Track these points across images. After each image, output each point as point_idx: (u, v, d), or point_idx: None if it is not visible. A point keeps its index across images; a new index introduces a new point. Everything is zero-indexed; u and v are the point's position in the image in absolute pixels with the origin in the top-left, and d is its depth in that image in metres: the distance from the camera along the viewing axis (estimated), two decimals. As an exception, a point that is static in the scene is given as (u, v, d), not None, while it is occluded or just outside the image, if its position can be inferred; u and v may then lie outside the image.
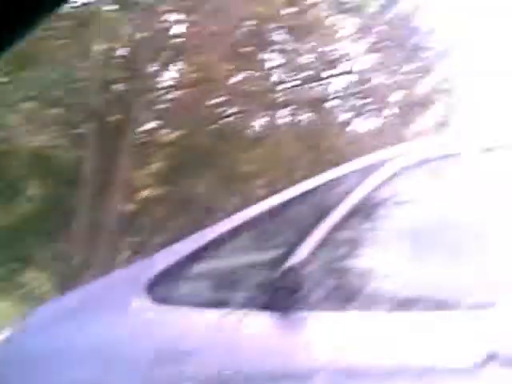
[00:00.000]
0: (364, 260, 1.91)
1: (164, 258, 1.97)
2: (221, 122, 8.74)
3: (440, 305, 1.66)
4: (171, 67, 8.47)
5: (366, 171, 1.93)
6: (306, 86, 9.16)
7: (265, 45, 8.64)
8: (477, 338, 1.57)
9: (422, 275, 1.78)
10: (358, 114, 9.71)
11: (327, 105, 9.59)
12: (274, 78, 9.26)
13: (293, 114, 9.74)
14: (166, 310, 1.88)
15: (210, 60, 7.74)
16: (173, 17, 8.16)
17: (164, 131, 8.62)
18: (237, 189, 7.71)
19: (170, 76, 8.53)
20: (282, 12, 8.10)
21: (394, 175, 1.90)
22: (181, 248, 2.00)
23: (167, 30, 8.08)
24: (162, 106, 8.43)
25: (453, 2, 9.13)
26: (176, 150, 8.34)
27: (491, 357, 1.53)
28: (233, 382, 1.69)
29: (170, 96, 8.48)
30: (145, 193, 8.54)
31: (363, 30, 9.14)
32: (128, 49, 7.97)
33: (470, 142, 1.95)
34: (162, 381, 1.71)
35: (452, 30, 9.20)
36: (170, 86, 8.52)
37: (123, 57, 8.00)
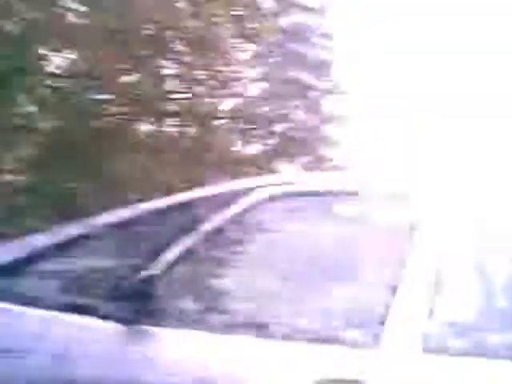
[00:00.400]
0: (222, 281, 1.94)
1: (8, 251, 1.86)
2: (104, 120, 8.49)
3: (280, 334, 1.72)
4: (60, 54, 8.10)
5: (238, 194, 1.97)
6: (197, 100, 9.18)
7: (162, 52, 8.56)
8: (306, 367, 1.64)
9: (269, 302, 1.84)
10: (242, 138, 9.90)
11: (215, 123, 9.67)
12: (167, 86, 9.19)
13: (180, 126, 9.71)
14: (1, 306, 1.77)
15: (102, 55, 7.50)
16: (71, 4, 7.84)
17: (41, 118, 8.20)
18: (109, 190, 7.48)
19: (56, 63, 8.16)
20: (184, 24, 8.09)
21: (263, 203, 1.95)
22: (29, 242, 1.91)
23: (63, 16, 7.74)
24: (44, 92, 8.01)
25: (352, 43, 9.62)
26: (50, 140, 7.95)
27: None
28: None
29: (53, 83, 8.10)
30: (8, 178, 8.03)
31: (259, 58, 9.38)
32: (17, 27, 7.53)
33: (345, 182, 2.03)
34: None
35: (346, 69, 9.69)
36: (55, 74, 8.14)
37: (10, 33, 7.53)
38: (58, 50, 8.01)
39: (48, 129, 8.15)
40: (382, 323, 1.72)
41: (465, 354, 1.66)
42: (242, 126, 9.80)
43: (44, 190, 7.58)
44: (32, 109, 8.31)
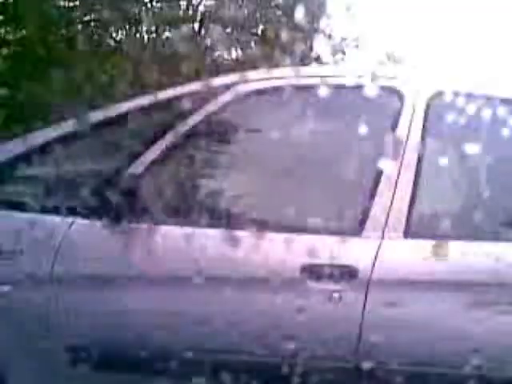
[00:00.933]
0: (206, 179, 1.94)
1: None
2: (76, 27, 8.14)
3: (269, 225, 1.75)
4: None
5: (215, 92, 1.92)
6: (172, 4, 8.82)
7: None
8: (293, 254, 1.71)
9: (257, 198, 1.85)
10: (224, 42, 9.58)
11: (194, 27, 9.34)
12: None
13: (156, 32, 9.37)
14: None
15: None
16: None
17: (7, 28, 7.80)
18: (86, 98, 7.31)
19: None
20: None
21: (241, 99, 1.91)
22: (10, 148, 1.89)
23: None
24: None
25: None
26: (21, 50, 7.64)
27: (303, 269, 1.70)
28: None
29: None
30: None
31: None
32: None
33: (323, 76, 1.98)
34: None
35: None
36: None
37: None
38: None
39: (15, 39, 7.79)
40: (367, 212, 1.76)
41: (445, 237, 1.71)
42: (220, 29, 9.46)
43: (17, 101, 7.37)
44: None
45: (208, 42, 9.75)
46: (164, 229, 1.75)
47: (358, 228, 1.75)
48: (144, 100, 1.99)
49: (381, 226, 1.75)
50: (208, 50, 9.69)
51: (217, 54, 9.81)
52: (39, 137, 1.92)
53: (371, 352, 1.65)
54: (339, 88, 1.88)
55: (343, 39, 9.83)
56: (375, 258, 1.72)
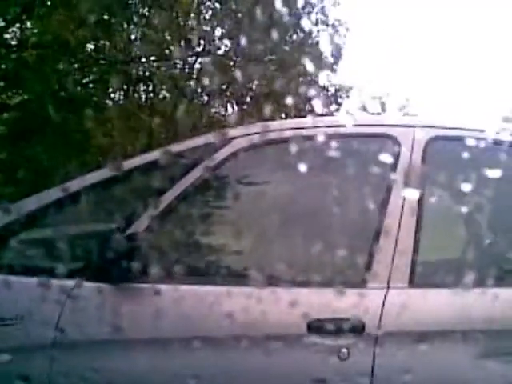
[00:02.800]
0: (204, 236, 1.93)
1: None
2: (74, 90, 8.30)
3: (274, 281, 1.72)
4: (19, 24, 7.80)
5: (212, 148, 1.93)
6: (166, 63, 9.02)
7: (127, 16, 8.34)
8: (300, 310, 1.66)
9: (255, 252, 1.83)
10: (216, 97, 9.76)
11: (187, 84, 9.52)
12: (133, 51, 8.99)
13: (152, 91, 9.56)
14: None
15: (65, 23, 7.24)
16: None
17: (7, 93, 7.95)
18: (85, 160, 7.37)
19: (17, 34, 7.87)
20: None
21: (238, 154, 1.92)
22: (7, 212, 1.88)
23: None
24: (7, 65, 7.74)
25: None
26: (19, 115, 7.75)
27: (310, 324, 1.66)
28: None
29: (16, 56, 7.80)
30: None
31: (224, 14, 9.19)
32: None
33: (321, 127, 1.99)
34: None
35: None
36: (17, 45, 7.86)
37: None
38: (15, 21, 7.71)
39: (14, 104, 7.91)
40: (370, 263, 1.73)
41: (449, 286, 1.68)
42: (215, 86, 9.64)
43: (18, 165, 7.41)
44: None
45: (204, 98, 9.93)
46: (165, 288, 1.73)
47: (362, 279, 1.72)
48: (142, 159, 2.00)
49: (385, 277, 1.72)
50: (204, 107, 9.85)
51: (213, 110, 9.97)
52: (33, 202, 1.92)
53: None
54: (335, 138, 1.88)
55: (337, 90, 10.02)
56: (382, 310, 1.68)
